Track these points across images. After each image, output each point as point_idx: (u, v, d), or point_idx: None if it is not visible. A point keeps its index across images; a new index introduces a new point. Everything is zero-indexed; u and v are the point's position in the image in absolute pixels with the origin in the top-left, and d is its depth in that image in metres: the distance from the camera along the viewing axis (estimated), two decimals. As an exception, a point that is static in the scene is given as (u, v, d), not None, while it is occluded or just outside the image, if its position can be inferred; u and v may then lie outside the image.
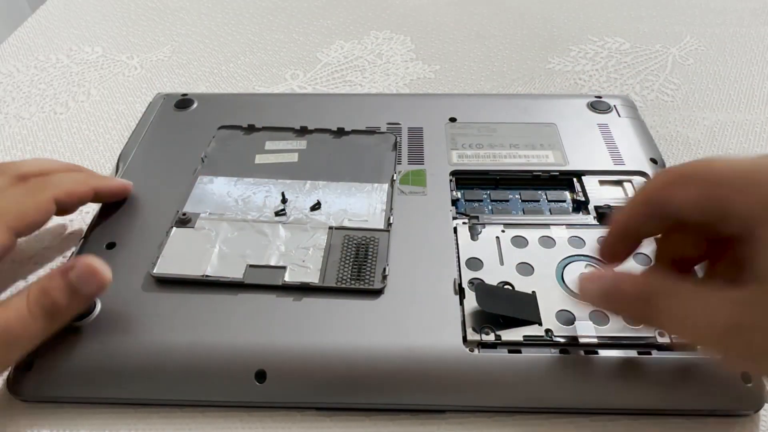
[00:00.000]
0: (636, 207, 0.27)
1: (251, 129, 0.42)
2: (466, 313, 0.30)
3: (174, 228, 0.34)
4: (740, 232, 0.23)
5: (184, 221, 0.35)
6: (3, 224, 0.30)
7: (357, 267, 0.32)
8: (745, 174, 0.23)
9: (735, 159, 0.24)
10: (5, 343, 0.26)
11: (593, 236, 0.34)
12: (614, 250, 0.28)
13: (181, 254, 0.33)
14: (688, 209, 0.24)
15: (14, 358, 0.28)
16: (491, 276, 0.32)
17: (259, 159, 0.40)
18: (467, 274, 0.32)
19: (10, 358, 0.27)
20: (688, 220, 0.25)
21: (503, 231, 0.34)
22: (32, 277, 0.35)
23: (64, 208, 0.34)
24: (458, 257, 0.33)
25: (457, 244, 0.34)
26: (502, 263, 0.32)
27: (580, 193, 0.37)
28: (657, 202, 0.25)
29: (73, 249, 0.34)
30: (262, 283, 0.31)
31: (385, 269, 0.32)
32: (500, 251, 0.33)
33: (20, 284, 0.35)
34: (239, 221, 0.35)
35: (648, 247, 0.29)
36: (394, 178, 0.38)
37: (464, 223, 0.35)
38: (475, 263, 0.32)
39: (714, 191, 0.24)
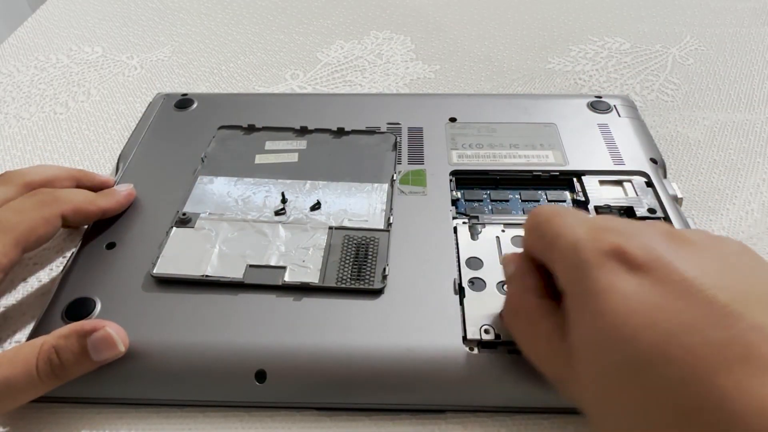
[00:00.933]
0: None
1: (251, 129, 0.42)
2: (466, 313, 0.30)
3: (174, 228, 0.34)
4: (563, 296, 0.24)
5: (184, 221, 0.35)
6: (12, 239, 0.30)
7: (357, 267, 0.32)
8: (566, 248, 0.24)
9: (568, 221, 0.24)
10: (7, 396, 0.26)
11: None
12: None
13: (181, 254, 0.33)
14: (538, 259, 0.26)
15: (9, 409, 0.28)
16: (491, 276, 0.32)
17: (259, 159, 0.40)
18: (467, 274, 0.32)
19: (6, 409, 0.27)
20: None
21: (503, 231, 0.34)
22: (32, 278, 0.35)
23: (70, 224, 0.33)
24: (458, 257, 0.33)
25: (457, 244, 0.34)
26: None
27: (580, 193, 0.37)
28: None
29: (73, 249, 0.34)
30: (262, 283, 0.31)
31: (385, 269, 0.32)
32: (500, 251, 0.33)
33: (19, 285, 0.35)
34: (239, 221, 0.35)
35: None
36: (394, 178, 0.38)
37: (464, 222, 0.35)
38: (475, 263, 0.32)
39: (547, 255, 0.25)
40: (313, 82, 0.54)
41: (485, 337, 0.29)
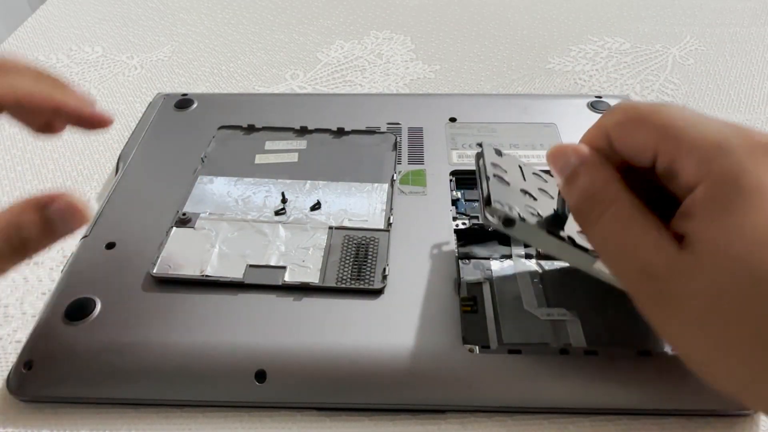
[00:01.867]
0: (591, 138, 0.24)
1: (251, 129, 0.42)
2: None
3: (174, 228, 0.34)
4: (683, 198, 0.21)
5: (184, 221, 0.35)
6: None
7: (357, 267, 0.32)
8: (705, 138, 0.20)
9: (702, 118, 0.21)
10: None
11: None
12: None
13: (181, 254, 0.33)
14: (637, 156, 0.22)
15: None
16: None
17: (259, 159, 0.40)
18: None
19: None
20: (635, 166, 0.23)
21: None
22: (32, 278, 0.35)
23: (13, 113, 0.29)
24: (458, 257, 0.33)
25: (457, 244, 0.34)
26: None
27: (580, 193, 0.37)
28: (608, 138, 0.23)
29: (73, 249, 0.34)
30: (262, 283, 0.31)
31: (385, 269, 0.32)
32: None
33: (20, 284, 0.35)
34: (239, 221, 0.35)
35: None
36: (394, 178, 0.38)
37: (463, 223, 0.35)
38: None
39: (667, 146, 0.21)
40: (313, 82, 0.54)
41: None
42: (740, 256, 0.18)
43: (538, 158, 0.39)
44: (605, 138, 0.23)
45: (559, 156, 0.24)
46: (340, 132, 0.42)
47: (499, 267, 0.33)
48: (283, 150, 0.40)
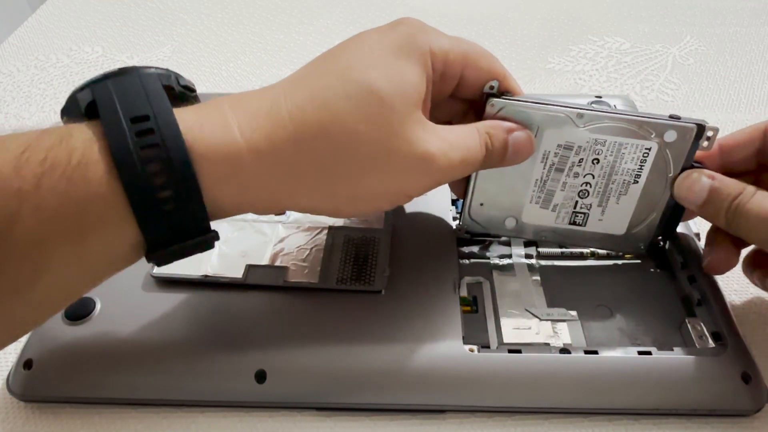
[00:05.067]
0: (753, 132, 0.30)
1: (251, 129, 0.42)
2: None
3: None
4: None
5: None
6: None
7: (357, 267, 0.32)
8: None
9: None
10: (463, 165, 0.27)
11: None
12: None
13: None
14: None
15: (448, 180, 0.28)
16: (491, 276, 0.32)
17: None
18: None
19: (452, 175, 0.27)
20: None
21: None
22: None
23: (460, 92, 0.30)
24: (458, 257, 0.33)
25: (457, 244, 0.34)
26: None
27: (580, 193, 0.37)
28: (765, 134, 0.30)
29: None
30: (262, 283, 0.31)
31: (385, 269, 0.32)
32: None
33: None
34: (239, 221, 0.35)
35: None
36: (394, 178, 0.38)
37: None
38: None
39: None
40: (313, 82, 0.54)
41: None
42: None
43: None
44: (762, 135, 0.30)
45: (691, 184, 0.29)
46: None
47: (499, 267, 0.33)
48: (283, 150, 0.40)
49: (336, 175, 0.25)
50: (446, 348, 0.28)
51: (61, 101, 0.51)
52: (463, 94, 0.29)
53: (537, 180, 0.30)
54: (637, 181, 0.30)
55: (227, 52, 0.58)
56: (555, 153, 0.29)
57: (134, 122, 0.22)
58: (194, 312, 0.30)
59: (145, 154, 0.21)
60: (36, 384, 0.28)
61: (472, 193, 0.31)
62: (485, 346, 0.29)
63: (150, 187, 0.21)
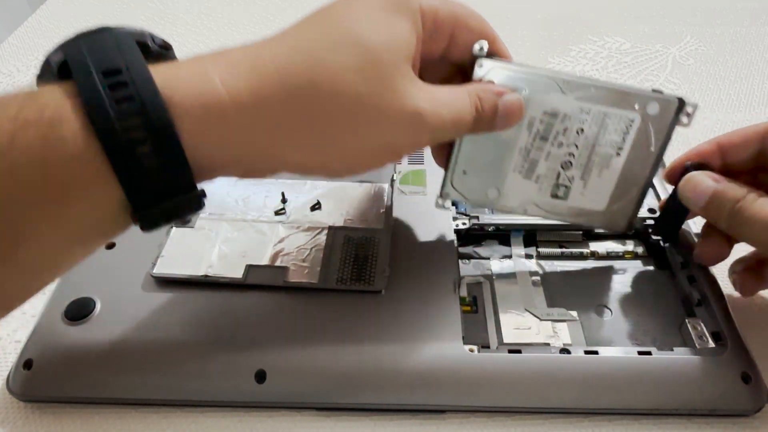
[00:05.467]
0: (752, 134, 0.31)
1: (251, 129, 0.42)
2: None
3: (174, 228, 0.34)
4: None
5: (184, 221, 0.35)
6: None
7: (357, 267, 0.32)
8: None
9: None
10: (454, 126, 0.26)
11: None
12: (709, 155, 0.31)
13: (181, 254, 0.33)
14: None
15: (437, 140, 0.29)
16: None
17: (259, 159, 0.40)
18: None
19: (440, 137, 0.27)
20: None
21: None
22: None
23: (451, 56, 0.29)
24: (458, 257, 0.33)
25: (457, 244, 0.34)
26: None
27: (580, 193, 0.37)
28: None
29: (73, 249, 0.34)
30: (262, 283, 0.31)
31: (385, 269, 0.32)
32: None
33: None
34: (239, 221, 0.35)
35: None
36: (394, 178, 0.38)
37: (463, 223, 0.35)
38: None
39: None
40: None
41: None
42: None
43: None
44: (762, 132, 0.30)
45: (696, 185, 0.30)
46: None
47: (499, 267, 0.33)
48: (283, 150, 0.40)
49: (324, 128, 0.24)
50: (446, 348, 0.28)
51: (61, 101, 0.51)
52: (453, 56, 0.29)
53: (521, 148, 0.30)
54: (620, 154, 0.30)
55: (227, 52, 0.58)
56: (540, 120, 0.29)
57: (107, 76, 0.21)
58: (194, 312, 0.30)
59: (121, 108, 0.20)
60: (36, 384, 0.28)
61: (456, 159, 0.30)
62: (485, 346, 0.29)
63: (128, 142, 0.21)
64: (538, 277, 0.33)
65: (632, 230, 0.32)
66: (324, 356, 0.28)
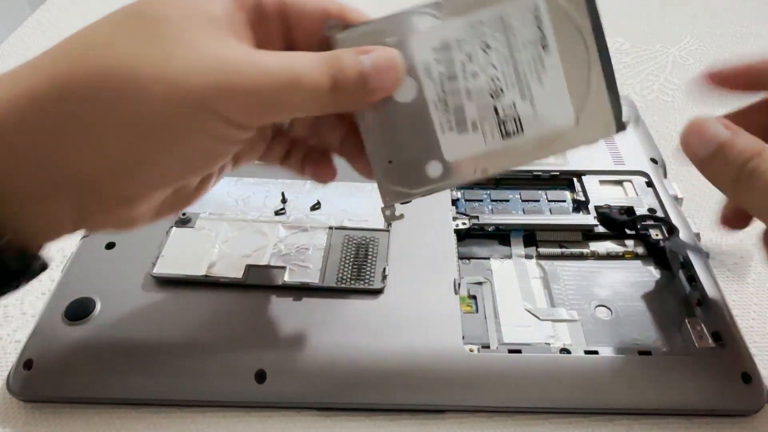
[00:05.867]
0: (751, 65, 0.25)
1: (251, 129, 0.42)
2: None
3: (174, 228, 0.34)
4: None
5: (184, 221, 0.35)
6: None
7: (357, 267, 0.32)
8: None
9: None
10: (289, 89, 0.21)
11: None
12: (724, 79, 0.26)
13: (181, 254, 0.33)
14: None
15: (281, 117, 0.24)
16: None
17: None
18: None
19: (278, 114, 0.22)
20: None
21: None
22: (32, 277, 0.35)
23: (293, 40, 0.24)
24: (458, 257, 0.33)
25: (457, 244, 0.34)
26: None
27: (581, 193, 0.37)
28: None
29: (73, 249, 0.34)
30: (262, 283, 0.31)
31: (385, 269, 0.32)
32: None
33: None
34: (239, 221, 0.35)
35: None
36: (394, 178, 0.38)
37: (463, 223, 0.35)
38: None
39: None
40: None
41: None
42: None
43: (538, 158, 0.39)
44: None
45: (704, 129, 0.24)
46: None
47: (499, 267, 0.33)
48: (283, 150, 0.40)
49: (109, 130, 0.20)
50: (446, 348, 0.28)
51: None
52: (306, 45, 0.24)
53: (435, 102, 0.24)
54: (547, 48, 0.24)
55: (227, 52, 0.58)
56: (436, 60, 0.24)
57: None
58: (194, 312, 0.30)
59: None
60: (36, 384, 0.28)
61: (373, 152, 0.25)
62: (485, 346, 0.29)
63: None
64: (539, 278, 0.33)
65: (625, 128, 0.26)
66: (324, 356, 0.28)
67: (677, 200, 0.37)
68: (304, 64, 0.21)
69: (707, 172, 0.24)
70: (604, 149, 0.40)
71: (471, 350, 0.28)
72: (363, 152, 0.25)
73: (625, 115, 0.25)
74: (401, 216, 0.27)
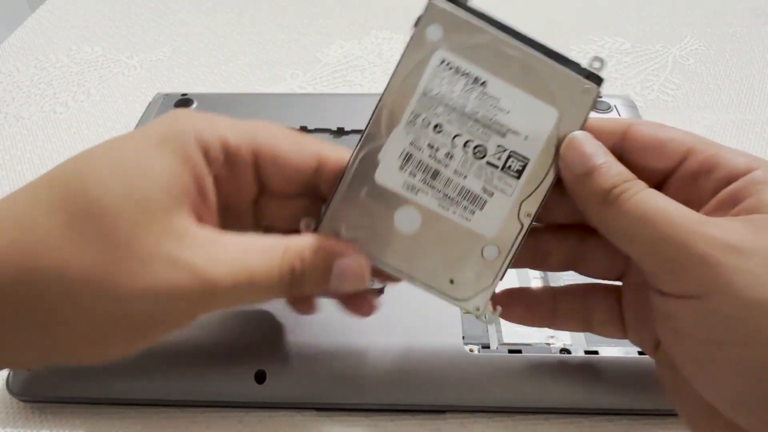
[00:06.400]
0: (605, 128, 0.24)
1: (251, 129, 0.42)
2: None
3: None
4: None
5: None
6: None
7: (357, 267, 0.32)
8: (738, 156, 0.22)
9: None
10: (246, 292, 0.20)
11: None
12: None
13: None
14: (660, 153, 0.23)
15: (241, 303, 0.21)
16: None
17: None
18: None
19: (241, 302, 0.21)
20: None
21: None
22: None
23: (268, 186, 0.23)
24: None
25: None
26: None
27: (580, 193, 0.37)
28: (626, 133, 0.23)
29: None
30: (262, 283, 0.31)
31: (385, 269, 0.31)
32: None
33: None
34: (239, 221, 0.35)
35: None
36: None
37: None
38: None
39: (705, 146, 0.23)
40: (313, 82, 0.54)
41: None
42: None
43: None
44: (621, 133, 0.23)
45: (583, 144, 0.23)
46: (340, 132, 0.42)
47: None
48: (283, 150, 0.40)
49: (45, 323, 0.19)
50: (446, 348, 0.28)
51: (61, 101, 0.51)
52: (282, 192, 0.23)
53: (439, 206, 0.23)
54: (485, 82, 0.23)
55: (227, 52, 0.58)
56: (410, 174, 0.23)
57: None
58: (194, 312, 0.30)
59: None
60: (36, 384, 0.28)
61: (432, 289, 0.24)
62: (485, 346, 0.29)
63: None
64: (539, 278, 0.33)
65: (600, 77, 0.26)
66: (323, 356, 0.28)
67: None
68: (261, 262, 0.21)
69: (577, 189, 0.22)
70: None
71: (471, 350, 0.28)
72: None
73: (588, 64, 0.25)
74: (498, 310, 0.24)
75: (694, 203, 0.21)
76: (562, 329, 0.27)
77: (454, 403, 0.28)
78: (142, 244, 0.19)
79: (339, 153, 0.23)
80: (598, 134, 0.23)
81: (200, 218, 0.21)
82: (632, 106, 0.45)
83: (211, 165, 0.21)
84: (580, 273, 0.25)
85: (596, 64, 0.24)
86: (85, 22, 0.63)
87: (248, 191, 0.23)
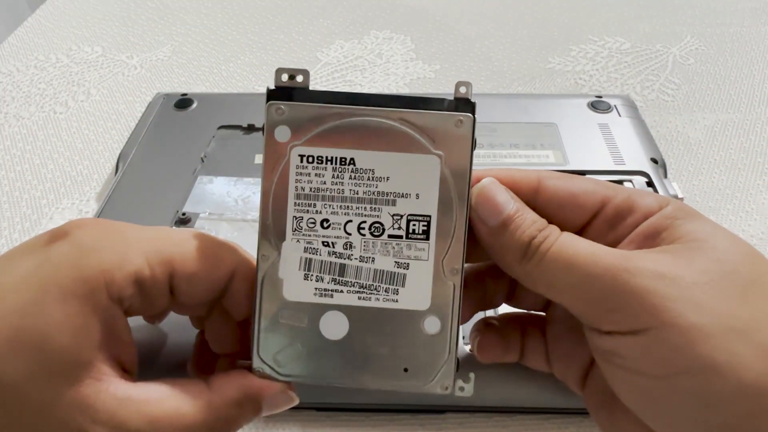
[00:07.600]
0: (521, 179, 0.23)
1: (251, 129, 0.42)
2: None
3: (174, 228, 0.34)
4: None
5: (184, 221, 0.35)
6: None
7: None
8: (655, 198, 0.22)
9: None
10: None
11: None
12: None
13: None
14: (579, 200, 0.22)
15: None
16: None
17: (259, 159, 0.40)
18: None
19: None
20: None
21: None
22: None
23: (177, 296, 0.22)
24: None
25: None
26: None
27: (581, 193, 0.37)
28: (539, 184, 0.23)
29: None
30: (262, 283, 0.31)
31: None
32: None
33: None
34: (239, 221, 0.35)
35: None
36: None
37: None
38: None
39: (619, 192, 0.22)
40: (313, 82, 0.53)
41: None
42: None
43: (537, 158, 0.39)
44: (534, 188, 0.23)
45: (494, 193, 0.22)
46: (340, 132, 0.42)
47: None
48: (283, 150, 0.40)
49: None
50: (446, 348, 0.28)
51: (61, 101, 0.51)
52: (195, 302, 0.23)
53: (360, 298, 0.22)
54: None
55: (227, 52, 0.58)
56: (316, 279, 0.22)
57: None
58: (194, 312, 0.30)
59: None
60: (35, 384, 0.28)
61: (387, 385, 0.22)
62: (485, 346, 0.29)
63: None
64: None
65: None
66: (324, 356, 0.28)
67: (677, 200, 0.37)
68: (183, 417, 0.20)
69: (494, 243, 0.22)
70: (605, 149, 0.40)
71: (471, 350, 0.28)
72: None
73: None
74: (472, 378, 0.22)
75: (615, 246, 0.21)
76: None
77: (454, 403, 0.28)
78: (54, 418, 0.19)
79: (251, 266, 0.22)
80: (515, 189, 0.22)
81: (117, 356, 0.21)
82: (632, 106, 0.45)
83: (123, 303, 0.21)
84: (512, 306, 0.25)
85: (462, 89, 0.22)
86: (85, 22, 0.63)
87: (162, 304, 0.22)
